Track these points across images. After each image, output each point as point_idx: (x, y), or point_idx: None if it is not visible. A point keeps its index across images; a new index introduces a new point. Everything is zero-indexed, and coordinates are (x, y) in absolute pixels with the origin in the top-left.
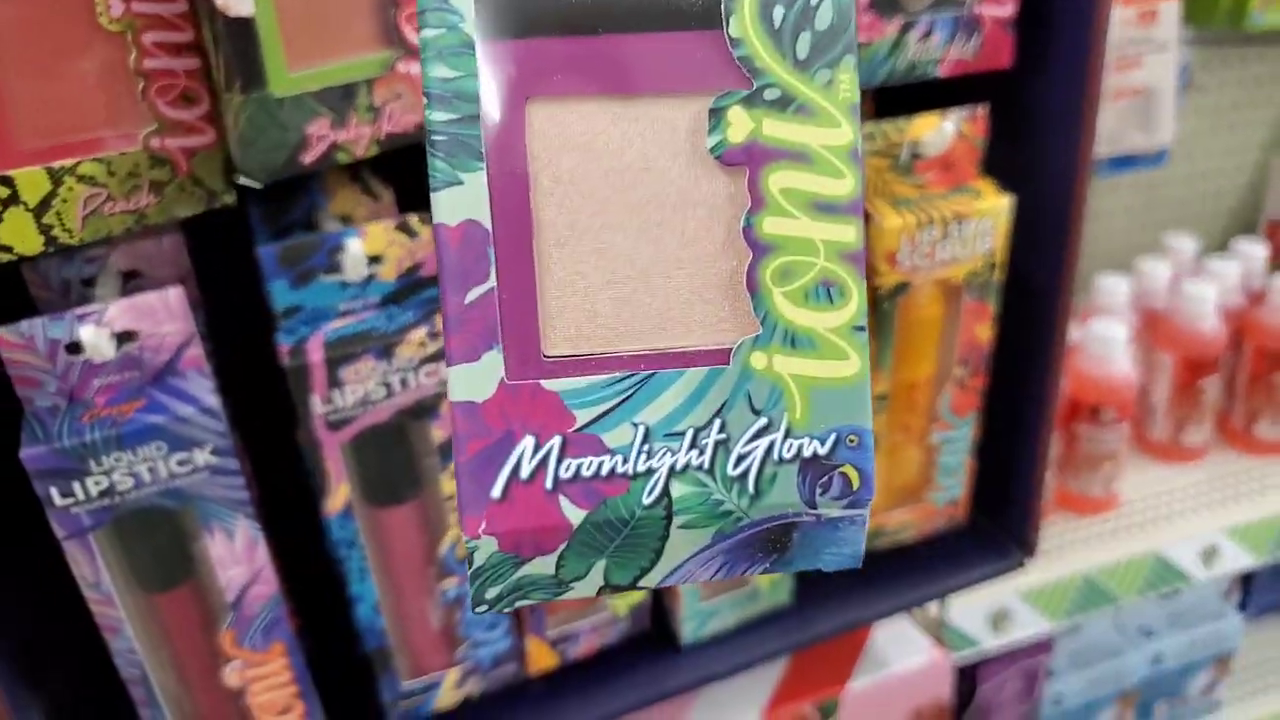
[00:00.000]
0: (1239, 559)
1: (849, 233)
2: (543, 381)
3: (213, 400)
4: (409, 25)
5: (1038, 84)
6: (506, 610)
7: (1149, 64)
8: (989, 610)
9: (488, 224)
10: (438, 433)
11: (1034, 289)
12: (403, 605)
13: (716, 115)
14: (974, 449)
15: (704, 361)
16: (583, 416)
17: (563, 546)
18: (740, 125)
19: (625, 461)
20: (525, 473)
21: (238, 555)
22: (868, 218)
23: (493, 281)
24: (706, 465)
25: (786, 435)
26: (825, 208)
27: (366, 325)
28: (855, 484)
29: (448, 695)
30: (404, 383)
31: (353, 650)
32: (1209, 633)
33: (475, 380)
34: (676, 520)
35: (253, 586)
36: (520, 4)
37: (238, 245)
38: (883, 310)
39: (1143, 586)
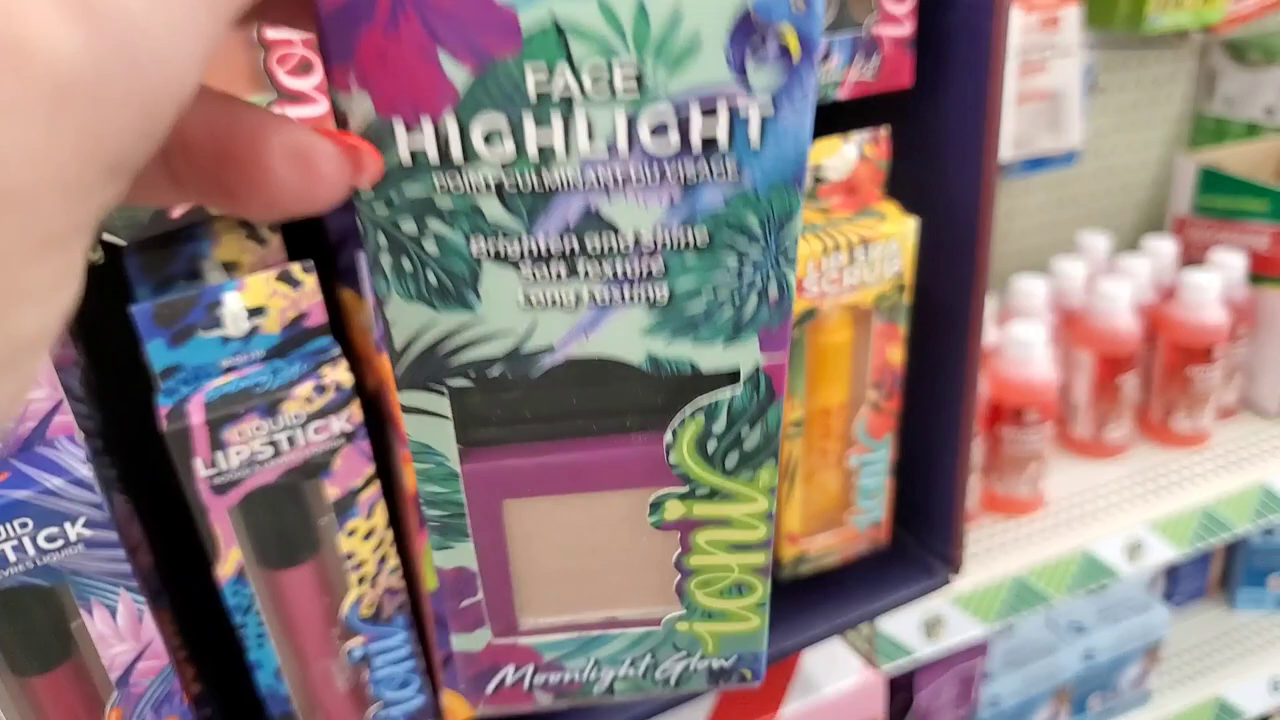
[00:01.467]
0: (1162, 552)
1: (759, 559)
2: (519, 640)
3: (85, 470)
4: (280, 68)
5: (938, 102)
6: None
7: (1054, 68)
8: (922, 619)
9: (474, 567)
10: (331, 490)
11: (945, 307)
12: (307, 669)
13: (656, 505)
14: (893, 469)
15: (640, 625)
16: (549, 655)
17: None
18: (675, 510)
19: (581, 674)
20: (509, 683)
21: (121, 631)
22: None
23: (480, 596)
24: (640, 676)
25: (700, 658)
26: (741, 548)
27: (249, 382)
28: (749, 678)
29: None
30: (291, 441)
31: (260, 715)
32: (1137, 625)
33: (471, 641)
34: (618, 697)
35: (140, 662)
36: (497, 426)
37: (117, 298)
38: (792, 337)
39: (1072, 585)
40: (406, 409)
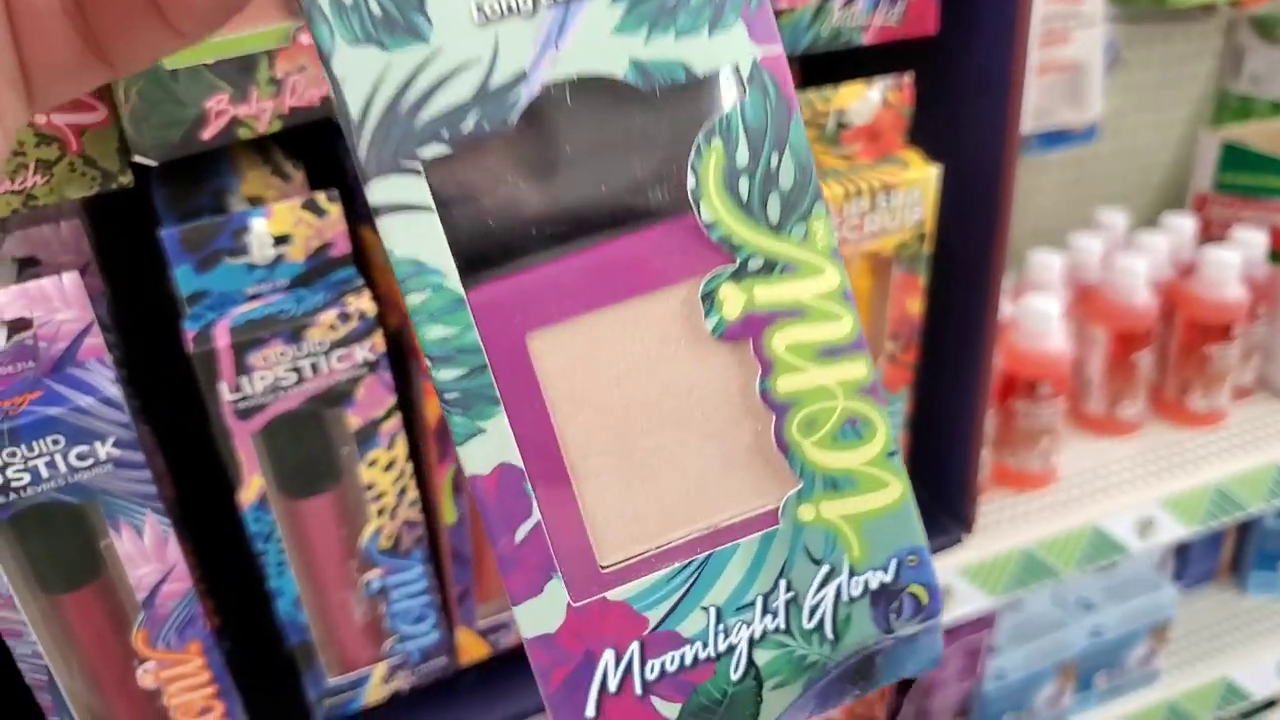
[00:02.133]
0: (1173, 530)
1: (860, 369)
2: (608, 594)
3: (114, 390)
4: None
5: (964, 49)
6: None
7: (1077, 39)
8: None
9: (519, 462)
10: (353, 420)
11: (965, 259)
12: (325, 599)
13: (709, 298)
14: (908, 424)
15: (755, 529)
16: (654, 616)
17: None
18: (734, 301)
19: (705, 646)
20: (613, 686)
21: (148, 552)
22: None
23: (537, 515)
24: (783, 626)
25: (851, 575)
26: (832, 352)
27: (274, 309)
28: (924, 600)
29: (375, 690)
30: (315, 368)
31: (277, 647)
32: (1146, 604)
33: (543, 612)
34: (767, 685)
35: (165, 584)
36: (496, 238)
37: (143, 230)
38: None
39: (1081, 560)
40: (382, 210)
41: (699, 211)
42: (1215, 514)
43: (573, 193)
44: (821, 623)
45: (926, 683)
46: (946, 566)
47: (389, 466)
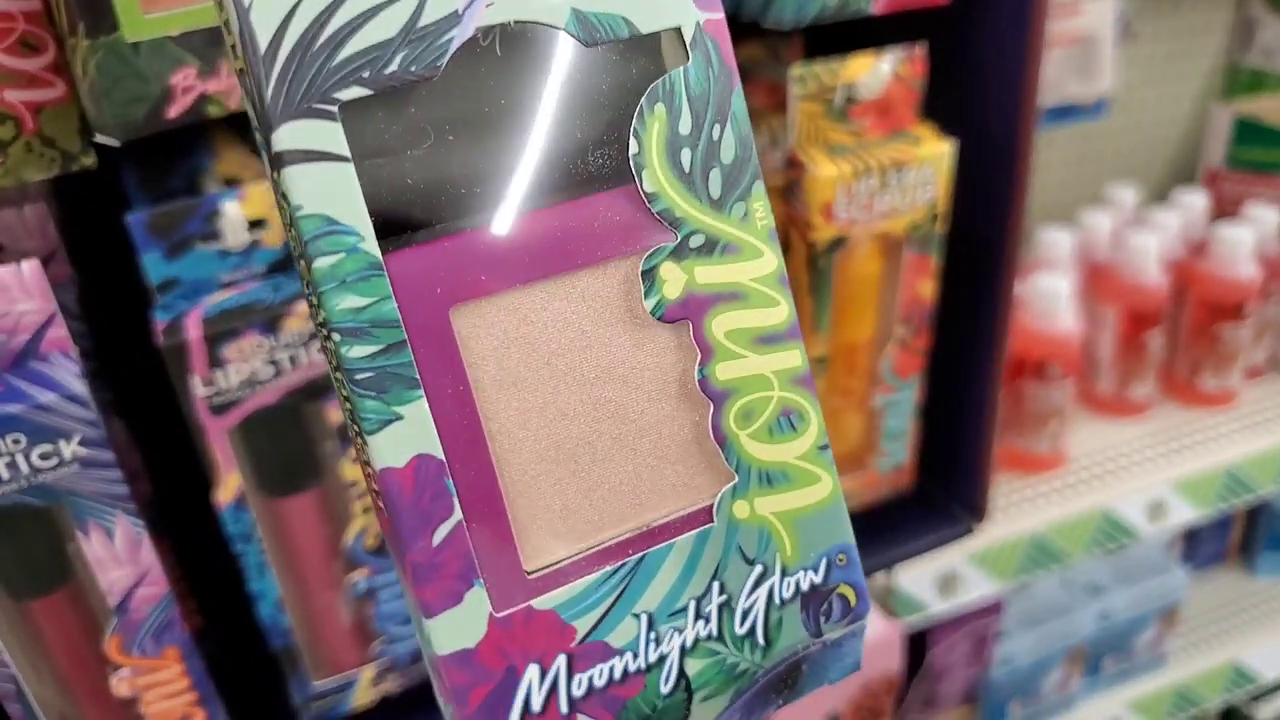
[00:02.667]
0: (1185, 513)
1: (795, 357)
2: (533, 603)
3: (79, 386)
4: None
5: (979, 19)
6: None
7: (1088, 11)
8: (937, 575)
9: (439, 454)
10: (334, 414)
11: (979, 240)
12: (309, 600)
13: (649, 275)
14: (919, 412)
15: (689, 526)
16: (583, 626)
17: None
18: (674, 280)
19: (635, 657)
20: (537, 705)
21: (119, 555)
22: (800, 166)
23: (459, 513)
24: (715, 633)
25: (783, 575)
26: (769, 339)
27: (250, 298)
28: (853, 601)
29: (364, 694)
30: (293, 360)
31: (264, 646)
32: (1155, 587)
33: (461, 625)
34: (697, 697)
35: (139, 588)
36: (418, 197)
37: (115, 213)
38: (819, 267)
39: (1090, 545)
40: (288, 157)
41: (641, 180)
42: (1226, 497)
43: (505, 153)
44: (754, 628)
45: (934, 669)
46: (954, 553)
47: None
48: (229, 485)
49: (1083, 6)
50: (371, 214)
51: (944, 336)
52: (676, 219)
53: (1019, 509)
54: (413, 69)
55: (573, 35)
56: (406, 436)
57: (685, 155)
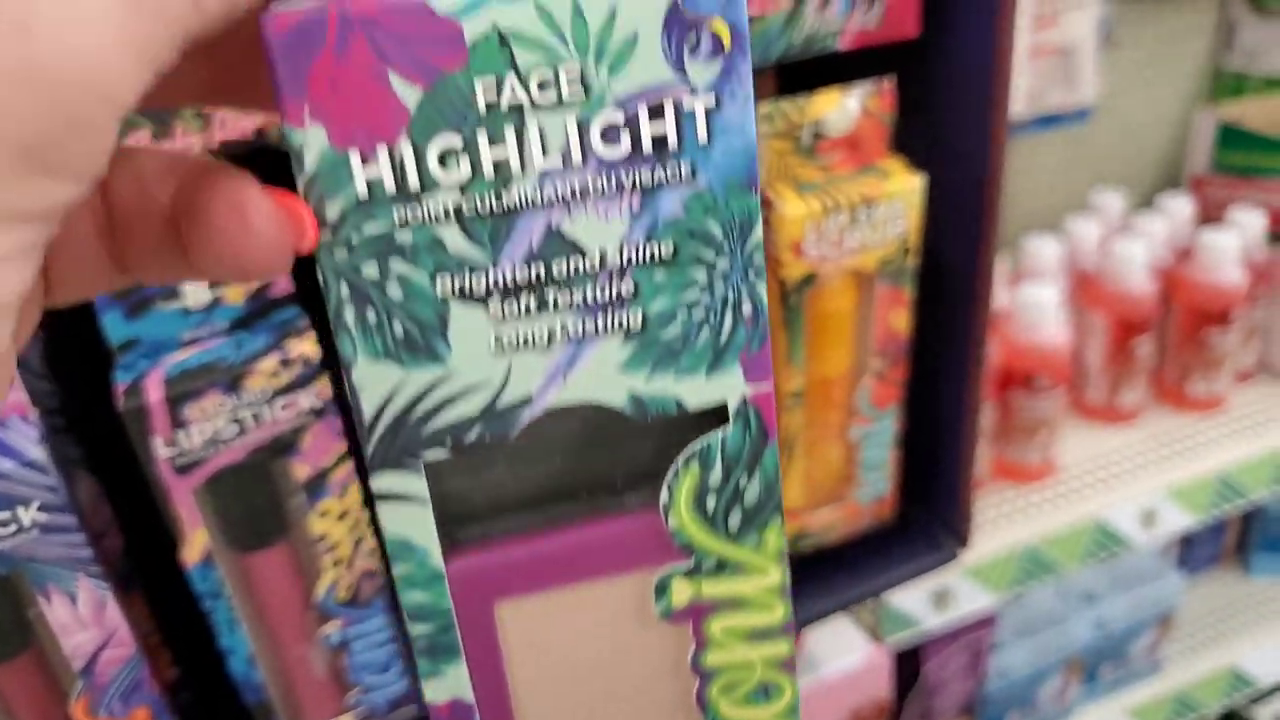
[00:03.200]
0: (1178, 519)
1: (782, 648)
2: None
3: (38, 452)
4: None
5: (946, 53)
6: None
7: (1067, 21)
8: (930, 590)
9: (471, 699)
10: (301, 469)
11: (953, 270)
12: (282, 655)
13: (662, 589)
14: (898, 441)
15: None
16: None
17: None
18: (682, 593)
19: None
20: None
21: (83, 618)
22: (768, 203)
23: None
24: None
25: None
26: (761, 635)
27: (212, 356)
28: None
29: None
30: (257, 418)
31: (238, 703)
32: (1150, 593)
33: None
34: None
35: (105, 650)
36: (477, 515)
37: None
38: (790, 304)
39: (1083, 554)
40: (381, 497)
41: (667, 519)
42: (1219, 502)
43: (550, 483)
44: None
45: (929, 683)
46: (947, 568)
47: (342, 516)
48: (195, 544)
49: (1063, 17)
50: (439, 526)
51: (921, 366)
52: (693, 549)
53: (1011, 520)
54: (487, 438)
55: (626, 414)
56: (447, 686)
57: (711, 500)
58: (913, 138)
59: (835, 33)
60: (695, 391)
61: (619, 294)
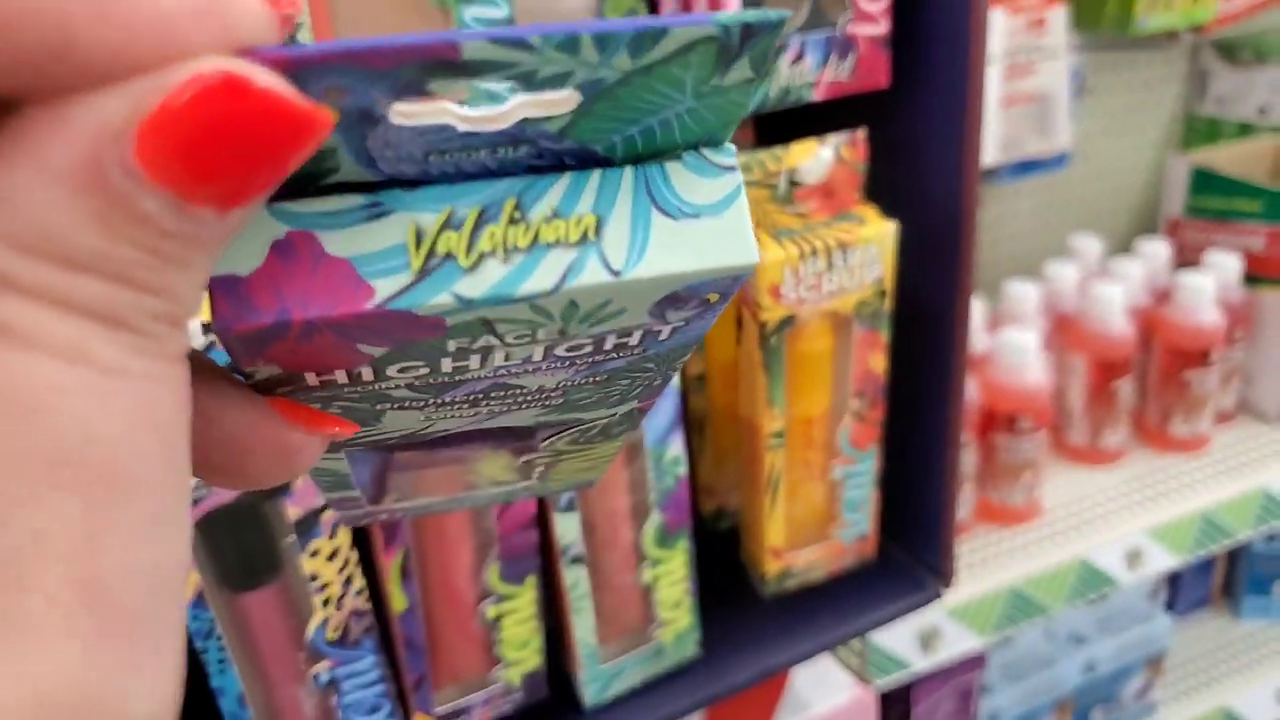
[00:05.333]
0: (1162, 560)
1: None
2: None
3: None
4: None
5: (917, 103)
6: None
7: (1041, 70)
8: (917, 631)
9: None
10: (293, 510)
11: (928, 313)
12: (271, 694)
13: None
14: (878, 481)
15: None
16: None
17: None
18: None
19: None
20: None
21: None
22: None
23: None
24: None
25: None
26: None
27: None
28: None
29: None
30: None
31: None
32: (1139, 635)
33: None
34: None
35: None
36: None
37: None
38: (770, 345)
39: (1070, 595)
40: None
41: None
42: (1204, 542)
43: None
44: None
45: None
46: (933, 609)
47: (333, 555)
48: (188, 584)
49: (1037, 66)
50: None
51: (900, 407)
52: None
53: (997, 561)
54: (399, 443)
55: (530, 427)
56: None
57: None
58: (886, 185)
59: (810, 84)
60: (595, 417)
61: (547, 400)
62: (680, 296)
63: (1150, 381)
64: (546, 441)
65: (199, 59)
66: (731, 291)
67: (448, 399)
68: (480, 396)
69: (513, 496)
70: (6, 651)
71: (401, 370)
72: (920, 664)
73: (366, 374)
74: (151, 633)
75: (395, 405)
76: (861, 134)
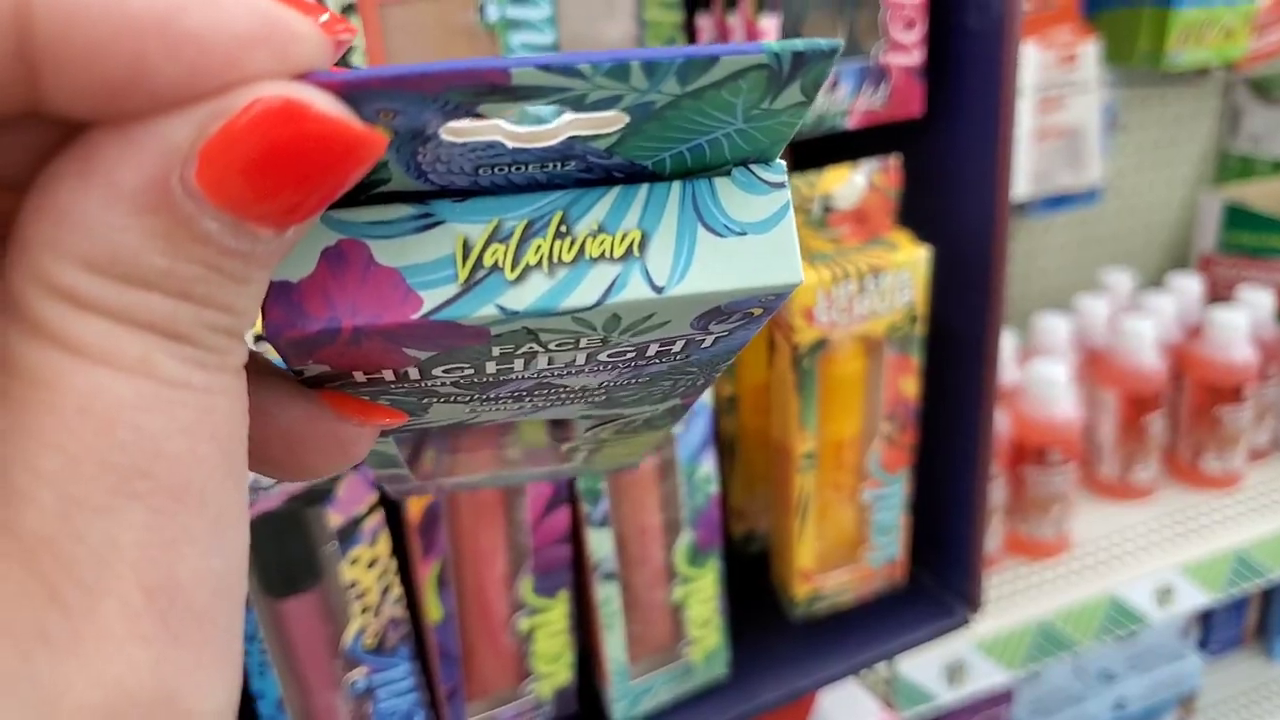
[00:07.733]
0: (1194, 598)
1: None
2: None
3: None
4: None
5: (950, 131)
6: None
7: (1073, 105)
8: (944, 663)
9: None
10: (334, 518)
11: (959, 338)
12: (308, 700)
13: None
14: (909, 505)
15: None
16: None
17: None
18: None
19: None
20: None
21: None
22: None
23: None
24: None
25: None
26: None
27: None
28: None
29: None
30: None
31: None
32: (1170, 674)
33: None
34: None
35: None
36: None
37: None
38: (803, 367)
39: (1099, 631)
40: None
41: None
42: (1236, 581)
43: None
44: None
45: None
46: (960, 640)
47: (372, 563)
48: None
49: (1069, 100)
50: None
51: (931, 431)
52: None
53: (1025, 595)
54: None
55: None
56: None
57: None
58: (919, 212)
59: (844, 112)
60: (638, 412)
61: (590, 399)
62: (723, 311)
63: (1182, 417)
64: (590, 431)
65: (259, 83)
66: (776, 306)
67: (492, 395)
68: (524, 394)
69: (557, 475)
70: (83, 653)
71: (446, 371)
72: (946, 697)
73: (413, 374)
74: (216, 634)
75: (441, 399)
76: (895, 160)
